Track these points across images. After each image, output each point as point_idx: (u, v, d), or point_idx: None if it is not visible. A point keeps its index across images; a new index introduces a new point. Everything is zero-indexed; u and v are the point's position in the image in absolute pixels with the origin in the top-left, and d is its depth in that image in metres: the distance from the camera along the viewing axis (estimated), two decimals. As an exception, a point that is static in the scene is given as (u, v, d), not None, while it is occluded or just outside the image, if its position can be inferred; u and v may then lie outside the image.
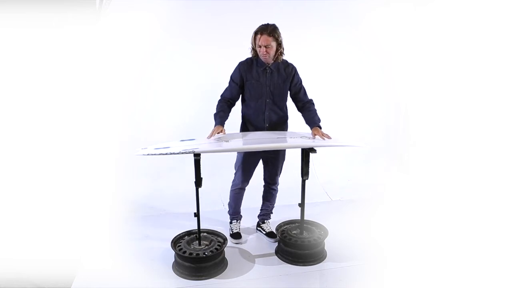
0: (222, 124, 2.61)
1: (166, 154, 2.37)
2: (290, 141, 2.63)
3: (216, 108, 2.67)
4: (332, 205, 3.67)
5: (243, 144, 2.51)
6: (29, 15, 2.92)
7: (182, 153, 2.37)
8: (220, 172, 3.77)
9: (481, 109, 3.56)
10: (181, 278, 2.50)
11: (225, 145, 2.48)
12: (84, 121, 3.32)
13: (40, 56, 3.01)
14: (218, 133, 2.55)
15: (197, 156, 2.38)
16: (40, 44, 3.00)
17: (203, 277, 2.50)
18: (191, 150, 2.36)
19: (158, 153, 2.38)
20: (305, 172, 2.60)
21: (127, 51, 3.62)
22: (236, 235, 2.99)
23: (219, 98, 2.72)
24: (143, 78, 3.83)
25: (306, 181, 2.65)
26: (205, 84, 3.90)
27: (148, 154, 2.42)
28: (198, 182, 2.46)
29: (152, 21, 3.64)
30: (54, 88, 3.12)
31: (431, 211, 3.39)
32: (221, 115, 2.63)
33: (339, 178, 4.15)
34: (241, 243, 2.94)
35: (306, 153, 2.55)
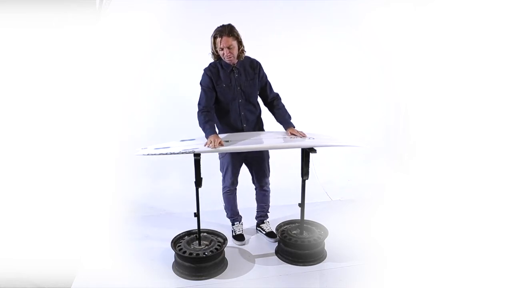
0: (215, 132, 2.53)
1: (166, 154, 2.37)
2: (290, 141, 2.63)
3: (201, 120, 2.56)
4: (332, 205, 3.67)
5: (243, 145, 2.51)
6: (29, 15, 2.92)
7: (182, 153, 2.37)
8: (220, 172, 3.77)
9: (481, 109, 3.56)
10: (181, 278, 2.50)
11: (225, 145, 2.48)
12: (84, 121, 3.32)
13: (40, 56, 3.01)
14: (220, 142, 2.43)
15: (197, 156, 2.38)
16: (40, 44, 3.00)
17: (203, 277, 2.50)
18: (191, 150, 2.36)
19: (158, 153, 2.38)
20: (305, 172, 2.60)
21: (127, 51, 3.62)
22: (240, 237, 2.98)
23: (198, 108, 2.62)
24: (143, 78, 3.83)
25: (306, 181, 2.65)
26: (205, 84, 3.90)
27: (148, 154, 2.42)
28: (198, 182, 2.46)
29: (152, 21, 3.64)
30: (54, 88, 3.12)
31: (431, 211, 3.39)
32: (211, 124, 2.54)
33: (339, 178, 4.14)
34: (245, 245, 2.94)
35: (306, 153, 2.55)
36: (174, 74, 3.90)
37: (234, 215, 3.03)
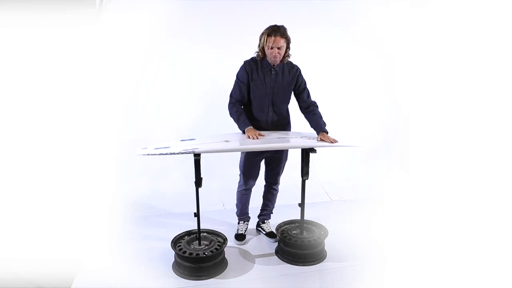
0: (250, 125, 2.59)
1: (166, 154, 2.37)
2: (290, 141, 2.63)
3: (233, 112, 2.63)
4: (332, 205, 3.67)
5: (243, 144, 2.51)
6: (29, 15, 2.92)
7: (182, 153, 2.37)
8: (220, 172, 3.77)
9: (480, 109, 3.56)
10: (181, 278, 2.50)
11: (225, 145, 2.48)
12: (85, 121, 3.32)
13: (40, 56, 3.01)
14: (260, 133, 2.55)
15: (197, 156, 2.38)
16: (40, 44, 3.00)
17: (203, 277, 2.50)
18: (191, 150, 2.36)
19: (158, 153, 2.38)
20: (305, 172, 2.60)
21: (127, 51, 3.62)
22: (240, 237, 2.98)
23: (230, 99, 2.67)
24: (143, 78, 3.83)
25: (306, 181, 2.65)
26: (205, 84, 3.91)
27: (148, 154, 2.41)
28: (198, 182, 2.46)
29: (152, 21, 3.64)
30: (54, 89, 3.12)
31: (431, 211, 3.39)
32: (244, 117, 2.61)
33: (339, 178, 4.15)
34: (243, 245, 2.95)
35: (306, 153, 2.55)
36: (174, 74, 3.90)
37: (242, 215, 3.04)
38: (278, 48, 2.52)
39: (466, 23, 3.63)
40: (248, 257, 2.78)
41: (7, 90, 2.98)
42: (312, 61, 4.10)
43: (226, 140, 2.53)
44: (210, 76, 3.83)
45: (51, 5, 2.96)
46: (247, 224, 3.07)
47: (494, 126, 3.47)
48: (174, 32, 3.78)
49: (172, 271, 2.57)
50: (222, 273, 2.57)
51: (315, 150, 2.51)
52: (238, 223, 3.06)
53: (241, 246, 2.91)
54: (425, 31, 4.08)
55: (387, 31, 4.21)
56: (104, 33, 3.36)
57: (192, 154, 2.38)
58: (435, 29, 3.97)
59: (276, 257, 2.77)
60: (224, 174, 3.60)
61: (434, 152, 4.03)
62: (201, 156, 2.39)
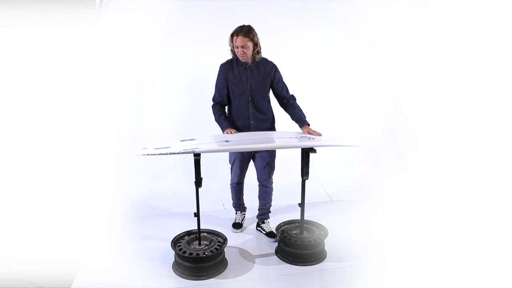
0: (230, 126, 2.72)
1: (166, 154, 2.37)
2: (290, 141, 2.63)
3: (215, 114, 2.79)
4: (332, 205, 3.67)
5: (243, 144, 2.51)
6: (28, 15, 2.92)
7: (182, 153, 2.37)
8: (220, 172, 3.76)
9: (481, 108, 3.56)
10: (181, 278, 2.50)
11: (225, 145, 2.48)
12: (85, 121, 3.32)
13: (40, 56, 3.01)
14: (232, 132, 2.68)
15: (197, 156, 2.38)
16: (40, 44, 3.00)
17: (203, 277, 2.50)
18: (191, 150, 2.36)
19: (158, 153, 2.38)
20: (305, 172, 2.60)
21: (127, 51, 3.62)
22: (237, 225, 3.12)
23: (211, 103, 2.81)
24: (143, 78, 3.83)
25: (306, 181, 2.65)
26: (205, 84, 3.89)
27: (148, 154, 2.41)
28: (198, 182, 2.46)
29: (152, 21, 3.65)
30: (54, 89, 3.12)
31: (431, 211, 3.39)
32: (223, 118, 2.77)
33: (339, 178, 4.15)
34: (238, 233, 3.07)
35: (306, 153, 2.55)
36: (174, 74, 3.90)
37: (237, 206, 3.16)
38: (242, 47, 2.60)
39: (466, 23, 3.63)
40: (248, 257, 2.78)
41: (7, 90, 2.98)
42: (312, 61, 4.11)
43: (226, 140, 2.53)
44: (210, 76, 3.82)
45: (51, 5, 2.97)
46: (244, 214, 3.18)
47: (494, 126, 3.47)
48: (174, 32, 3.78)
49: (172, 271, 2.57)
50: (222, 273, 2.57)
51: (315, 150, 2.51)
52: (236, 213, 3.17)
53: (241, 246, 2.91)
54: (425, 31, 4.08)
55: (387, 31, 4.21)
56: (104, 33, 3.37)
57: (192, 154, 2.38)
58: (435, 29, 3.97)
59: (276, 257, 2.77)
60: (224, 174, 3.58)
61: (434, 152, 4.03)
62: (201, 156, 2.39)
